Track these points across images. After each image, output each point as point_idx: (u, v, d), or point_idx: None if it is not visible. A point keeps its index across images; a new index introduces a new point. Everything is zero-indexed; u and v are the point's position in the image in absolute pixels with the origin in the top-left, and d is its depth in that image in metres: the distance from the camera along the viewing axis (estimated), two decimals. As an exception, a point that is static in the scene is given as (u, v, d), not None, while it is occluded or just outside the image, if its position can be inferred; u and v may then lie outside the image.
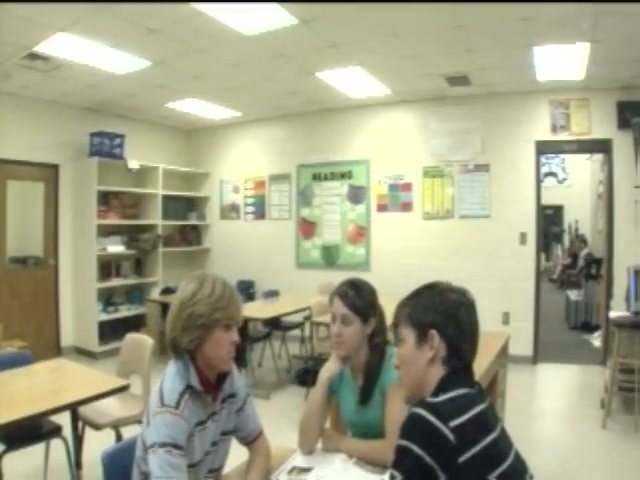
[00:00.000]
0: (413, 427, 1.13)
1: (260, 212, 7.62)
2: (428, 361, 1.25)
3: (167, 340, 1.53)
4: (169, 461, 1.35)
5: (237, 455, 1.74)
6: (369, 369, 1.87)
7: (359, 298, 1.89)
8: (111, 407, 2.95)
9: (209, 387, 1.53)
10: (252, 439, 1.72)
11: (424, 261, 6.19)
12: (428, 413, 1.11)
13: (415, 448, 1.08)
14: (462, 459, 1.07)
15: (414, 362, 1.27)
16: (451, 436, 1.07)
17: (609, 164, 5.63)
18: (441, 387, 1.21)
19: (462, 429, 1.09)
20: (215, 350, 1.51)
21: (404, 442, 1.11)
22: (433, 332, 1.24)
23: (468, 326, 1.28)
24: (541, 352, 5.95)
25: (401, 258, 6.41)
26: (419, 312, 1.28)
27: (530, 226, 5.88)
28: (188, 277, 1.56)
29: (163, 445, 1.36)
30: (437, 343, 1.24)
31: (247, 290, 7.15)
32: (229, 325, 1.52)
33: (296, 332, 5.97)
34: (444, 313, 1.26)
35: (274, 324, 5.67)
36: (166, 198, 7.20)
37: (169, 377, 1.49)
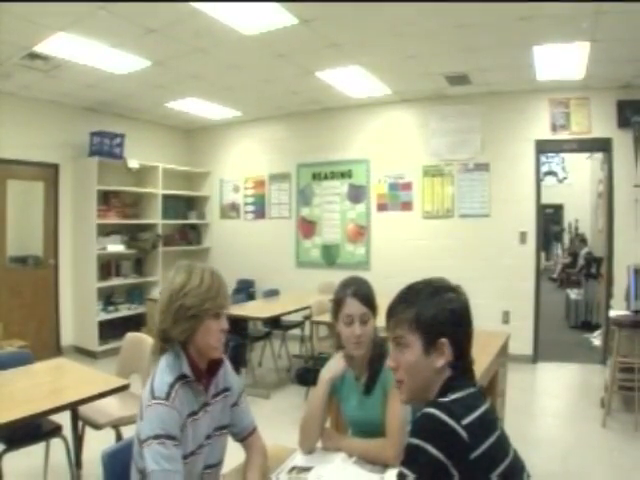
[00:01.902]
0: (426, 426, 1.13)
1: (260, 211, 7.62)
2: (436, 368, 1.23)
3: (157, 332, 1.54)
4: (163, 453, 1.36)
5: (237, 454, 1.74)
6: (372, 361, 1.88)
7: (370, 294, 1.91)
8: (111, 407, 2.95)
9: (200, 375, 1.55)
10: (246, 435, 1.72)
11: (424, 260, 6.18)
12: (441, 412, 1.12)
13: (429, 447, 1.09)
14: (473, 456, 1.09)
15: (422, 369, 1.24)
16: (464, 434, 1.09)
17: (609, 163, 5.63)
18: (448, 388, 1.21)
19: (473, 426, 1.11)
20: (205, 339, 1.53)
21: (417, 441, 1.11)
22: (444, 340, 1.22)
23: (468, 323, 1.28)
24: (541, 351, 5.95)
25: (401, 257, 6.41)
26: (426, 318, 1.23)
27: (530, 225, 5.88)
28: (176, 267, 1.58)
29: (156, 437, 1.37)
30: (447, 351, 1.22)
31: (247, 289, 7.15)
32: (218, 313, 1.54)
33: (296, 331, 5.97)
34: (452, 318, 1.24)
35: (274, 323, 5.67)
36: (166, 197, 7.20)
37: (159, 371, 1.51)
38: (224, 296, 1.56)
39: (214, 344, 1.55)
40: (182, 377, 1.50)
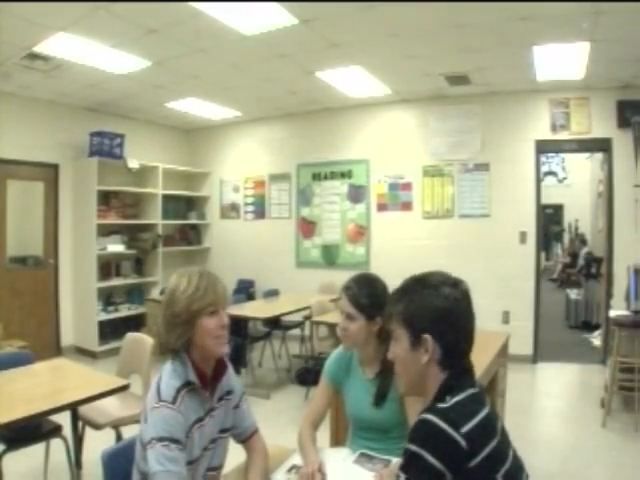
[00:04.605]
0: (424, 433, 1.12)
1: (260, 211, 7.62)
2: (423, 363, 1.23)
3: (160, 346, 1.54)
4: (167, 455, 1.36)
5: (237, 454, 1.74)
6: (384, 370, 1.86)
7: (363, 297, 1.91)
8: (111, 407, 2.95)
9: (206, 382, 1.54)
10: (248, 436, 1.72)
11: (424, 260, 6.14)
12: (439, 420, 1.10)
13: (426, 455, 1.08)
14: (473, 464, 1.08)
15: (410, 363, 1.25)
16: (463, 442, 1.07)
17: (609, 163, 5.63)
18: (447, 390, 1.20)
19: (472, 434, 1.09)
20: (204, 339, 1.51)
21: (415, 448, 1.10)
22: (427, 336, 1.21)
23: (463, 322, 1.25)
24: (541, 351, 5.95)
25: (401, 257, 6.40)
26: (412, 313, 1.24)
27: (530, 225, 5.88)
28: (173, 275, 1.59)
29: (161, 439, 1.37)
30: (431, 347, 1.21)
31: (247, 289, 7.15)
32: (214, 311, 1.52)
33: (296, 331, 5.96)
34: (438, 314, 1.22)
35: (274, 324, 5.67)
36: (166, 198, 7.19)
37: (166, 375, 1.50)
38: (214, 292, 1.53)
39: (214, 340, 1.52)
40: (188, 384, 1.49)
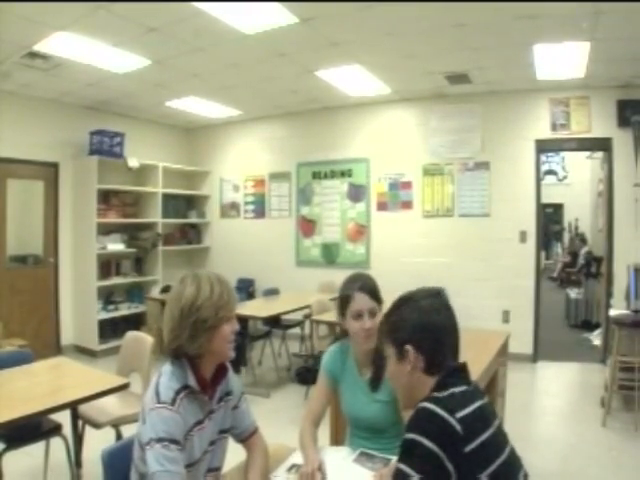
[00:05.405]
0: (421, 420, 1.16)
1: (260, 210, 7.62)
2: (408, 373, 1.30)
3: (167, 348, 1.50)
4: (166, 455, 1.35)
5: (237, 453, 1.74)
6: (376, 358, 1.88)
7: (376, 288, 1.97)
8: (111, 406, 2.95)
9: (205, 386, 1.53)
10: (247, 436, 1.72)
11: (424, 259, 6.18)
12: (435, 406, 1.15)
13: (424, 440, 1.11)
14: (467, 449, 1.10)
15: (400, 376, 1.33)
16: (458, 426, 1.11)
17: (609, 162, 5.62)
18: (444, 384, 1.24)
19: (467, 420, 1.13)
20: (222, 345, 1.52)
21: (412, 435, 1.13)
22: (408, 347, 1.29)
23: (442, 330, 1.32)
24: (541, 350, 5.95)
25: (401, 256, 6.41)
26: (396, 329, 1.33)
27: (530, 224, 5.87)
28: (180, 280, 1.54)
29: (160, 440, 1.36)
30: (413, 357, 1.28)
31: (247, 288, 7.16)
32: (231, 317, 1.54)
33: (296, 330, 5.96)
34: (418, 326, 1.30)
35: (274, 322, 5.66)
36: (166, 196, 7.19)
37: (165, 375, 1.49)
38: (234, 299, 1.56)
39: (229, 347, 1.55)
40: (186, 387, 1.48)
